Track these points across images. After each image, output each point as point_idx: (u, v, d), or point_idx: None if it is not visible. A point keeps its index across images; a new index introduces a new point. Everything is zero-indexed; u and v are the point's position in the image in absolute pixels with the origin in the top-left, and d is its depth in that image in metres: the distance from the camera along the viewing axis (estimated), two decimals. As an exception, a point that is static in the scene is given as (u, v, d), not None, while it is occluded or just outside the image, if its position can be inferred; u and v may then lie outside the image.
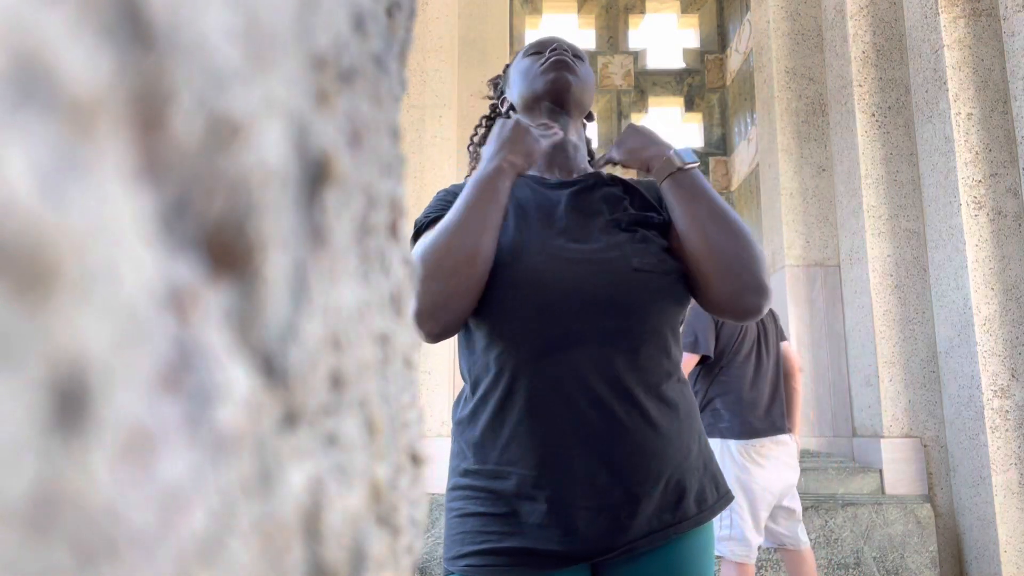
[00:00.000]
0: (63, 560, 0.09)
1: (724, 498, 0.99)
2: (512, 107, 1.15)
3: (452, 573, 0.93)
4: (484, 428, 0.93)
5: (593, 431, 0.89)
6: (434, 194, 1.07)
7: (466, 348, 0.99)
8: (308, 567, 0.14)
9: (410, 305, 0.22)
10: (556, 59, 1.07)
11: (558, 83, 1.07)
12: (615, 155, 1.07)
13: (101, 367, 0.10)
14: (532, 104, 1.10)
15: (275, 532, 0.13)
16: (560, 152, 1.10)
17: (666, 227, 1.02)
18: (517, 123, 0.98)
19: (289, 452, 0.14)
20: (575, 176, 1.10)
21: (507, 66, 1.21)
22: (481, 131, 1.23)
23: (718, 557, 2.58)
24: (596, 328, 0.91)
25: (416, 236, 1.02)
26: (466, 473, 0.95)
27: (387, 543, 0.18)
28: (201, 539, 0.11)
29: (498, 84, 1.25)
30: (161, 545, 0.10)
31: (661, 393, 0.94)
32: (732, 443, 2.60)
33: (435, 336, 0.90)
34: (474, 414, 0.95)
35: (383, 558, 0.18)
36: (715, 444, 2.62)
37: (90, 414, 0.10)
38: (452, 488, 0.97)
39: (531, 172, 1.09)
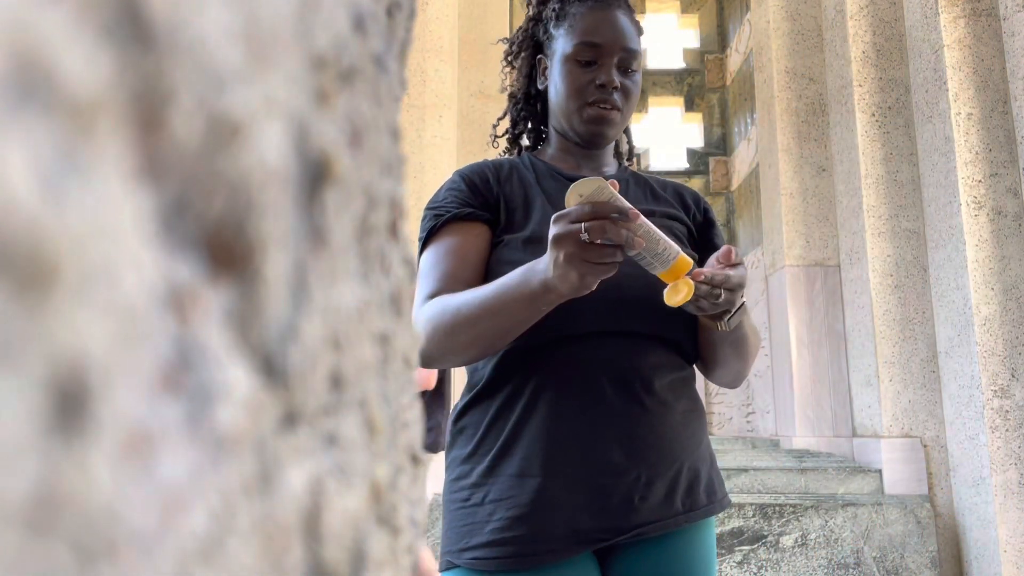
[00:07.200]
0: (63, 560, 0.09)
1: (727, 497, 1.01)
2: (542, 91, 1.10)
3: (455, 567, 0.91)
4: (496, 410, 0.93)
5: (611, 411, 0.91)
6: (435, 191, 1.03)
7: None
8: (308, 567, 0.14)
9: (410, 306, 0.22)
10: (598, 115, 1.01)
11: (593, 138, 1.04)
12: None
13: (101, 367, 0.10)
14: (563, 128, 1.06)
15: (275, 532, 0.13)
16: (591, 158, 1.08)
17: (685, 236, 1.06)
18: (580, 244, 0.77)
19: (289, 452, 0.14)
20: (605, 171, 1.10)
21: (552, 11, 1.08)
22: (517, 51, 1.13)
23: None
24: (623, 323, 0.93)
25: (427, 239, 0.98)
26: (468, 459, 0.94)
27: (387, 543, 0.18)
28: (201, 539, 0.11)
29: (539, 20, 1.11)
30: (161, 545, 0.10)
31: (677, 388, 0.96)
32: None
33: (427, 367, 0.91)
34: (484, 397, 0.96)
35: (383, 558, 0.18)
36: None
37: (90, 414, 0.10)
38: (454, 480, 0.96)
39: (557, 166, 1.07)
